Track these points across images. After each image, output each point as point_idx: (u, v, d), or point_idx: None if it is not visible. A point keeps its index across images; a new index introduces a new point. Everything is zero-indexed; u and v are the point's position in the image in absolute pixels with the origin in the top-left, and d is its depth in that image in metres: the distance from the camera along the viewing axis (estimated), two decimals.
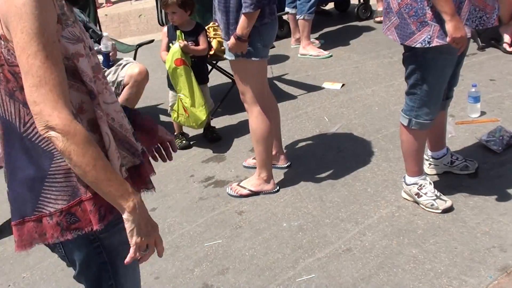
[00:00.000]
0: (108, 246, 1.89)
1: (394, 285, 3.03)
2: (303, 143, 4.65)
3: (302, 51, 6.81)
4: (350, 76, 5.96)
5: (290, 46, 7.22)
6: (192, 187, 4.37)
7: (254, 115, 3.93)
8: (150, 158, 2.17)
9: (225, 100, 5.51)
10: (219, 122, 5.33)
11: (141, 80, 4.96)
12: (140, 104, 5.94)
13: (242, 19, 3.56)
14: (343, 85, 5.74)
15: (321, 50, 6.75)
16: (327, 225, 3.62)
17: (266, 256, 3.44)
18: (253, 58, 3.75)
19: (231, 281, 3.29)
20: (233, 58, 3.79)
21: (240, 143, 4.89)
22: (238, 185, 4.15)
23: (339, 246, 3.42)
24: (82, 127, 1.64)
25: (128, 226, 1.73)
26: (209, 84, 5.08)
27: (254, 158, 4.34)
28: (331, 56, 6.65)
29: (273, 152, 4.21)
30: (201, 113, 4.62)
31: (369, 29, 7.44)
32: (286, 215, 3.80)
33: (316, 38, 7.28)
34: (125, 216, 1.72)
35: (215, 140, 5.03)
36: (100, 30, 6.00)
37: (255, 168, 4.19)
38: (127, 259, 1.78)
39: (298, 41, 7.05)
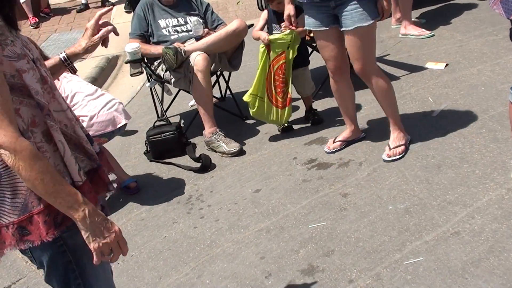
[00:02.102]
0: (72, 245, 1.97)
1: (505, 269, 2.95)
2: (408, 125, 4.56)
3: (403, 31, 6.69)
4: (454, 55, 5.81)
5: (391, 26, 7.09)
6: (295, 169, 4.38)
7: (382, 77, 4.12)
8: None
9: (326, 82, 5.47)
10: (320, 105, 5.32)
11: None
12: (237, 89, 6.00)
13: None
14: (446, 64, 5.60)
15: (423, 30, 6.60)
16: (434, 207, 3.56)
17: (372, 238, 3.42)
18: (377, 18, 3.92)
19: (337, 263, 3.29)
20: (370, 22, 3.87)
21: (343, 125, 4.85)
22: (392, 148, 4.20)
23: (447, 229, 3.36)
24: (29, 143, 1.76)
25: (83, 234, 1.86)
26: (310, 67, 5.08)
27: (334, 141, 4.49)
28: (433, 35, 6.50)
29: (353, 127, 4.49)
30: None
31: (471, 6, 7.20)
32: (391, 197, 3.76)
33: (417, 18, 7.13)
34: (78, 225, 1.85)
35: (317, 122, 5.02)
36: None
37: (341, 149, 4.43)
38: (94, 262, 1.91)
39: (399, 21, 6.93)
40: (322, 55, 4.28)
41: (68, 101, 4.07)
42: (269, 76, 4.67)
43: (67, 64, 2.25)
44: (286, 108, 4.75)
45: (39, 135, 1.87)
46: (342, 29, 3.96)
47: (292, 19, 4.13)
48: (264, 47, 4.62)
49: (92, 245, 1.88)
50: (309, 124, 5.05)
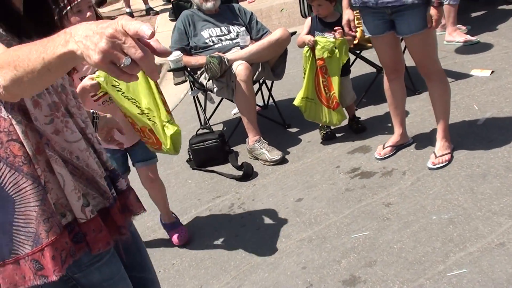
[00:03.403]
0: (87, 284, 1.83)
1: None
2: (452, 133, 4.51)
3: (448, 38, 6.61)
4: (500, 62, 5.71)
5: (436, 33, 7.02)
6: (338, 178, 4.36)
7: (443, 80, 4.13)
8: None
9: (369, 90, 5.44)
10: (364, 113, 5.28)
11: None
12: (280, 97, 6.00)
13: None
14: (492, 72, 5.51)
15: (468, 36, 6.51)
16: (479, 218, 3.50)
17: (415, 249, 3.38)
18: None
19: (379, 274, 3.26)
20: (426, 29, 3.87)
21: (386, 133, 4.80)
22: (438, 156, 4.17)
23: (491, 240, 3.29)
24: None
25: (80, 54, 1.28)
26: (352, 75, 5.06)
27: (384, 147, 4.46)
28: (478, 42, 6.41)
29: (401, 131, 4.47)
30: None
31: None
32: (435, 207, 3.71)
33: (462, 24, 7.04)
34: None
35: (360, 130, 4.99)
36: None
37: (392, 155, 4.41)
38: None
39: (443, 27, 6.84)
40: (379, 58, 4.34)
41: None
42: (317, 77, 4.65)
43: (95, 120, 2.31)
44: (337, 110, 4.70)
45: (43, 164, 1.70)
46: (399, 36, 4.01)
47: (352, 24, 4.16)
48: (309, 49, 4.61)
49: (92, 57, 1.24)
50: (352, 133, 5.02)
